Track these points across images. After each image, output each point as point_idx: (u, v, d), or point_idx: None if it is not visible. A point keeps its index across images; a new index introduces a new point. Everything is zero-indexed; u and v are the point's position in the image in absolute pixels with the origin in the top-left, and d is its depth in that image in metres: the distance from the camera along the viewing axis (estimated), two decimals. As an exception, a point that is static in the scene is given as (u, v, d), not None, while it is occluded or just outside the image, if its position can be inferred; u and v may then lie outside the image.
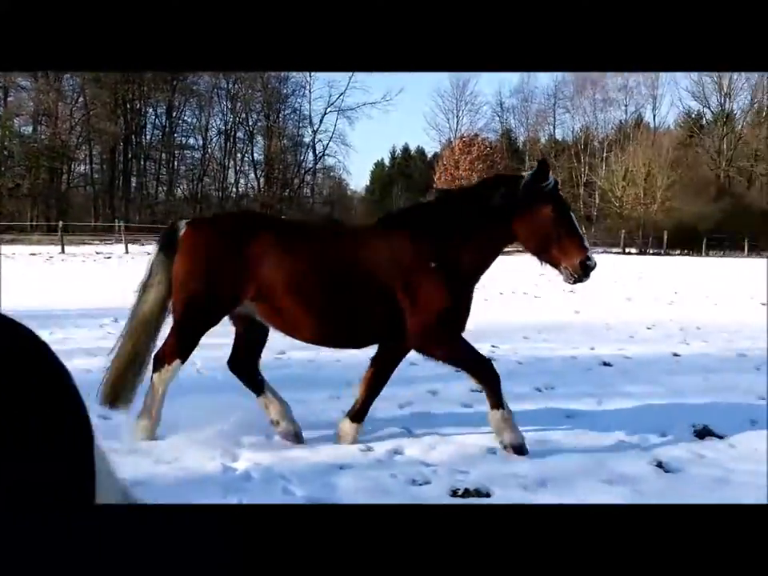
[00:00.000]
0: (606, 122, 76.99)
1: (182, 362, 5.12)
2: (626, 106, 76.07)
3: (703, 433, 5.51)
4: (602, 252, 54.78)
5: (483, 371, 5.05)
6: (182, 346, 5.08)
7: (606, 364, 8.47)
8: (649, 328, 12.18)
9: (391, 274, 4.88)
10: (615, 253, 53.83)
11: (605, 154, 69.60)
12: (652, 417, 5.94)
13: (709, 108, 76.87)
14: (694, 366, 8.52)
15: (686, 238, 58.22)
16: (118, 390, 5.03)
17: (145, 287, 5.15)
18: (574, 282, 4.93)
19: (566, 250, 4.86)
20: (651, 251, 57.90)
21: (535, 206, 4.89)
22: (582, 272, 4.85)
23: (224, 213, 7.48)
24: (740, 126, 75.32)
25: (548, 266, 5.05)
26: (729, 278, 27.18)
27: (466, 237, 5.00)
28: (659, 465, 4.81)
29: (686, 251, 58.29)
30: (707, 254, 55.65)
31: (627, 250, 57.04)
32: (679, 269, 33.58)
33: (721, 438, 5.46)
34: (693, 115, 78.71)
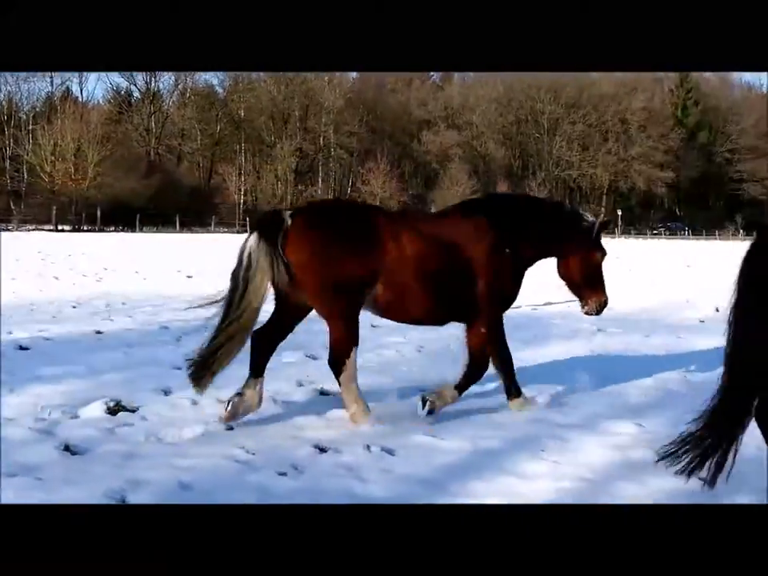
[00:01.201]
0: (30, 93, 72.94)
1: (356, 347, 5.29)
2: (51, 77, 72.99)
3: (116, 409, 5.47)
4: (33, 229, 52.18)
5: (508, 358, 5.74)
6: (355, 333, 5.28)
7: (22, 348, 7.92)
8: (74, 306, 11.85)
9: (475, 257, 5.49)
10: (48, 230, 51.76)
11: (31, 127, 65.96)
12: (63, 398, 5.70)
13: (136, 86, 78.49)
14: (116, 341, 8.47)
15: (121, 214, 58.79)
16: (213, 376, 5.15)
17: (248, 277, 5.06)
18: (595, 315, 6.03)
19: (598, 289, 5.93)
20: (86, 228, 57.05)
21: (593, 248, 5.90)
22: (603, 308, 5.98)
23: (326, 201, 6.55)
24: (167, 106, 78.64)
25: (572, 293, 6.07)
26: (160, 253, 28.20)
27: (537, 239, 5.82)
28: (66, 448, 4.61)
29: (120, 227, 58.85)
30: (142, 230, 56.98)
31: (60, 227, 55.27)
32: (112, 245, 33.74)
33: (133, 411, 5.48)
34: (122, 92, 79.51)
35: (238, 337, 5.10)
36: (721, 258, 33.94)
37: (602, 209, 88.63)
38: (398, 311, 5.55)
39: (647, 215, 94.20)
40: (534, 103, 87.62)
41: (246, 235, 5.34)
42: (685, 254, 36.76)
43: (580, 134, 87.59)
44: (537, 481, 4.22)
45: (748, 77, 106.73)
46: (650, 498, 3.92)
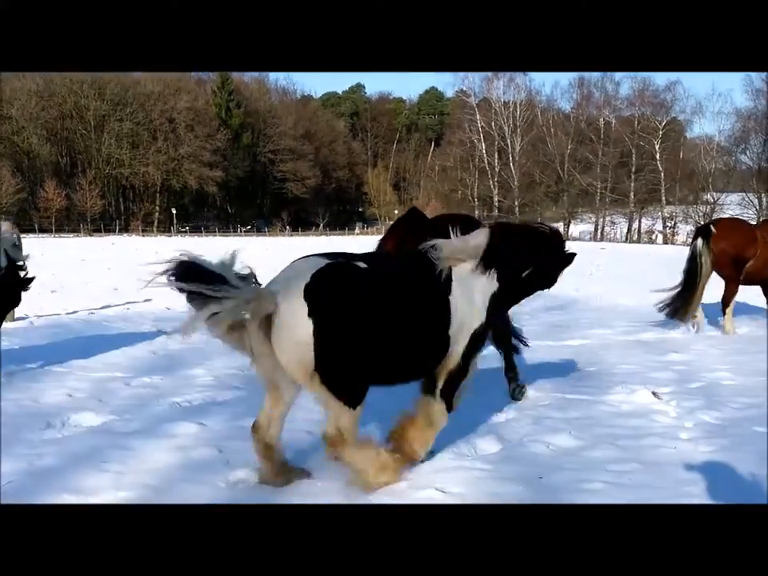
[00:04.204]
0: None
1: None
2: None
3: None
4: None
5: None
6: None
7: None
8: None
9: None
10: None
11: None
12: None
13: None
14: None
15: None
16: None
17: (700, 264, 10.18)
18: None
19: None
20: None
21: None
22: None
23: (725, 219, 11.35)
24: None
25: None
26: None
27: None
28: None
29: None
30: None
31: None
32: None
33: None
34: None
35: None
36: (275, 255, 36.25)
37: (157, 207, 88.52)
38: (752, 278, 10.32)
39: (201, 213, 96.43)
40: (78, 98, 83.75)
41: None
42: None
43: (129, 132, 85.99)
44: (100, 494, 4.05)
45: (283, 81, 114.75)
46: (215, 496, 4.02)
